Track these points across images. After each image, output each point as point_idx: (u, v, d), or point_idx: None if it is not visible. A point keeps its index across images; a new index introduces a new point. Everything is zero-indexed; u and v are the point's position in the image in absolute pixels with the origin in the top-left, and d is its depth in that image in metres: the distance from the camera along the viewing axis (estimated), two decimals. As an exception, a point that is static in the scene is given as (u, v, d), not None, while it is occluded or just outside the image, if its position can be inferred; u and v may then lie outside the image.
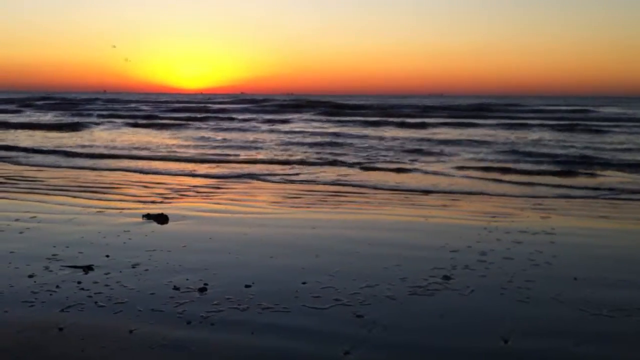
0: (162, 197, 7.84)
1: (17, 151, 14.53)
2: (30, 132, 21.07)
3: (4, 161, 12.50)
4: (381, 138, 19.34)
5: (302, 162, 12.75)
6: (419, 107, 44.39)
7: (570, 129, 23.42)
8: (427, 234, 5.83)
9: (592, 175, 11.04)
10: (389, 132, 22.52)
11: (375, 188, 9.15)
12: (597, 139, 19.40)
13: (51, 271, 4.32)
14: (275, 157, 13.70)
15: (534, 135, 20.87)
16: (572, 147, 16.54)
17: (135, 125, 25.77)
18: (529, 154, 14.56)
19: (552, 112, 37.48)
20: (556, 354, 3.13)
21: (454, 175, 10.87)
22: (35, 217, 6.24)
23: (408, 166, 12.18)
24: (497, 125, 25.68)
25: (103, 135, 20.18)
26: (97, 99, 62.95)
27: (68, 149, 14.86)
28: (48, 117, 30.97)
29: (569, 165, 12.41)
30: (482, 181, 10.16)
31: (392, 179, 10.36)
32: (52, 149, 14.98)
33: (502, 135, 20.94)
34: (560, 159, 13.49)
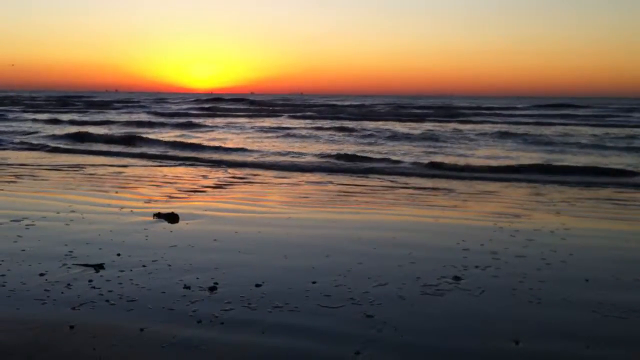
0: (172, 196, 7.86)
1: None
2: None
3: None
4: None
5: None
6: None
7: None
8: (437, 234, 5.81)
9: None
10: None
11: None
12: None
13: (63, 269, 4.34)
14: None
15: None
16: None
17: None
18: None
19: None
20: (567, 356, 3.11)
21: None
22: (44, 215, 6.27)
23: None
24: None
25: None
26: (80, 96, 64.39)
27: None
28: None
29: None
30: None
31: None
32: None
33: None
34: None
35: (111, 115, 32.57)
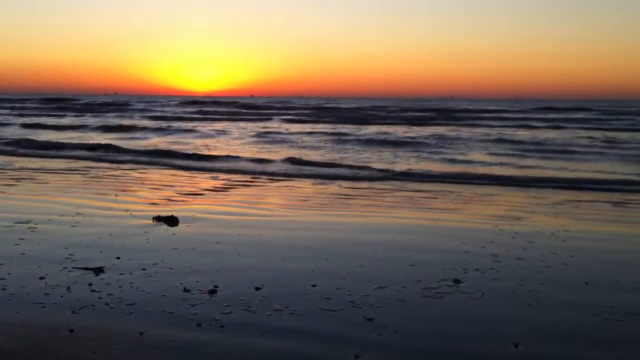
0: (171, 199, 7.86)
1: None
2: None
3: None
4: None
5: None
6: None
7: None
8: (437, 237, 5.81)
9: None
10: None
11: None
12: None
13: (63, 273, 4.34)
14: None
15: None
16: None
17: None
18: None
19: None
20: (567, 358, 3.11)
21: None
22: (44, 218, 6.26)
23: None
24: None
25: None
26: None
27: None
28: None
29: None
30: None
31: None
32: None
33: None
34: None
35: (95, 119, 31.97)
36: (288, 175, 11.01)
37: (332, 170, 11.75)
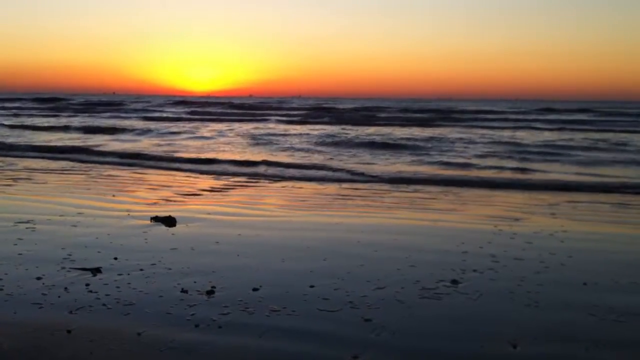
0: (169, 200, 7.85)
1: None
2: None
3: None
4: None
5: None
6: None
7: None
8: (436, 237, 5.81)
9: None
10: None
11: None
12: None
13: (60, 273, 4.33)
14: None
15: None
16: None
17: None
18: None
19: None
20: (566, 359, 3.11)
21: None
22: (42, 219, 6.26)
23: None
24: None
25: None
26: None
27: None
28: None
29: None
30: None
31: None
32: None
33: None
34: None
35: (84, 119, 31.69)
36: (278, 178, 10.93)
37: (325, 173, 11.58)
